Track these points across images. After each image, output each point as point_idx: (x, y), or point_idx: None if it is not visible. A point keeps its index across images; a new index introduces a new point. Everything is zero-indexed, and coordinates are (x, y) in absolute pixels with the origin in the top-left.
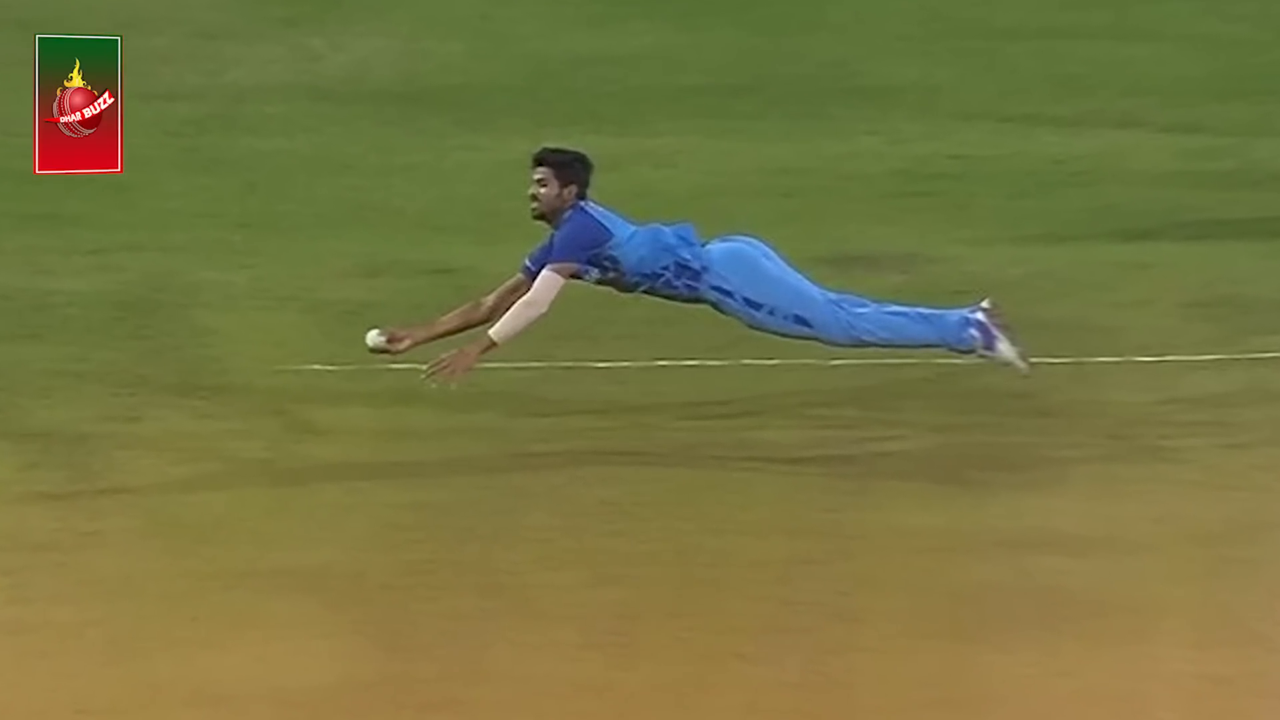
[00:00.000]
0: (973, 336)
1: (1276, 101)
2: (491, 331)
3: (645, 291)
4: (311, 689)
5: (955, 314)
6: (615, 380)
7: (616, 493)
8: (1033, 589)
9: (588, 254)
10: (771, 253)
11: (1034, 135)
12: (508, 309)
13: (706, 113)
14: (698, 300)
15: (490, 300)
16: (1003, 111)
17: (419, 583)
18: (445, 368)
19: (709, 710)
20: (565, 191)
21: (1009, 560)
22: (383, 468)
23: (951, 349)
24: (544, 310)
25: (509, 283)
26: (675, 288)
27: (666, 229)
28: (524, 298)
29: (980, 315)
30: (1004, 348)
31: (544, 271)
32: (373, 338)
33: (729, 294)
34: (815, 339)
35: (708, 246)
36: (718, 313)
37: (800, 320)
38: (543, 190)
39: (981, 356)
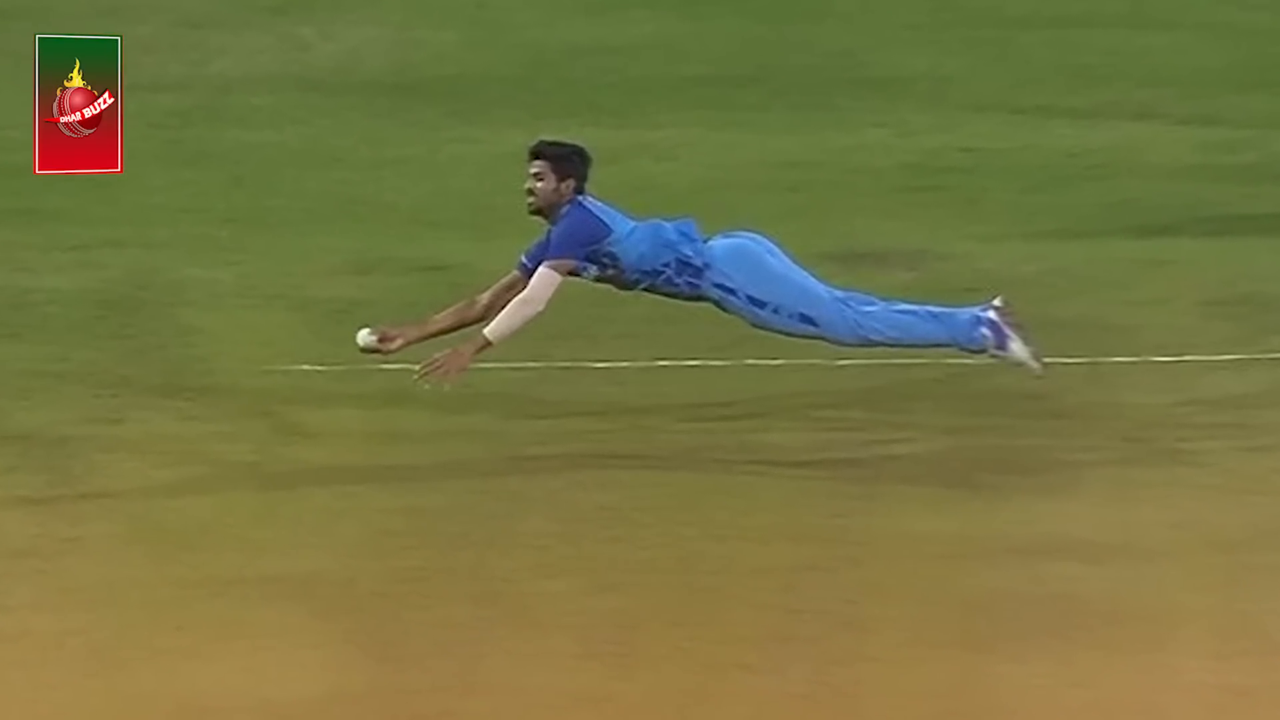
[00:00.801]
0: (984, 336)
1: None
2: (486, 331)
3: (645, 289)
4: (300, 700)
5: (966, 312)
6: (614, 381)
7: (616, 497)
8: (1046, 597)
9: (586, 250)
10: (776, 249)
11: (1047, 127)
12: (503, 307)
13: (709, 104)
14: (700, 298)
15: (485, 298)
16: (1015, 103)
17: (411, 590)
18: (439, 368)
19: None
20: (563, 185)
21: (1022, 567)
22: (374, 471)
23: (962, 349)
24: (541, 308)
25: (504, 280)
26: (676, 285)
27: (667, 224)
28: (520, 295)
29: (992, 314)
30: (1016, 347)
31: (541, 268)
32: (363, 337)
33: (732, 292)
34: (821, 338)
35: (710, 243)
36: (720, 311)
37: (806, 319)
38: (539, 184)
39: (993, 356)
